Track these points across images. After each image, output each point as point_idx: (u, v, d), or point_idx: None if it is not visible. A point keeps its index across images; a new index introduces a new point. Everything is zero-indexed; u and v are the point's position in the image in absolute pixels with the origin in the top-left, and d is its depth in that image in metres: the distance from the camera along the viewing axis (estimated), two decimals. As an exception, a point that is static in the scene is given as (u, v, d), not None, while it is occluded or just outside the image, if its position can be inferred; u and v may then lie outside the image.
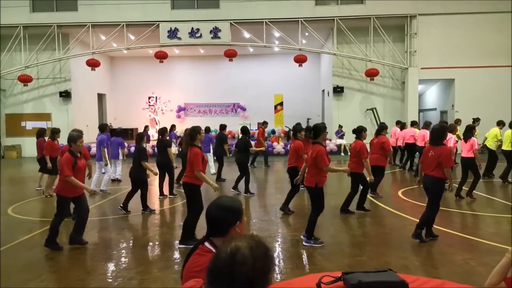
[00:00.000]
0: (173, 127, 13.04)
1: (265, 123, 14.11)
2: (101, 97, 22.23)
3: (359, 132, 7.64)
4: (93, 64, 17.40)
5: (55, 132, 9.08)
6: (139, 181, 7.47)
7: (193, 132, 5.56)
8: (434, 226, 5.71)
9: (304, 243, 5.48)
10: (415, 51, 16.71)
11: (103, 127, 10.07)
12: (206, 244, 2.00)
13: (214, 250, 1.95)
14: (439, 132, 5.52)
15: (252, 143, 10.94)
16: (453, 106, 17.02)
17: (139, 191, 7.53)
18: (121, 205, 7.55)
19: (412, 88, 16.81)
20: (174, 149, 12.09)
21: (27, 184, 11.05)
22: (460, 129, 10.37)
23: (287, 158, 8.94)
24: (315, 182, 5.41)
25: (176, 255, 5.33)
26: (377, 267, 2.44)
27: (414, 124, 12.71)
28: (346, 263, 4.80)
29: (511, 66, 16.17)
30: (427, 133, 9.87)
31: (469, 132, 8.08)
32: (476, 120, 11.31)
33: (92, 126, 19.32)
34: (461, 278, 4.16)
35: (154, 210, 7.72)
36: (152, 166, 7.77)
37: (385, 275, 2.05)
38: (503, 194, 8.87)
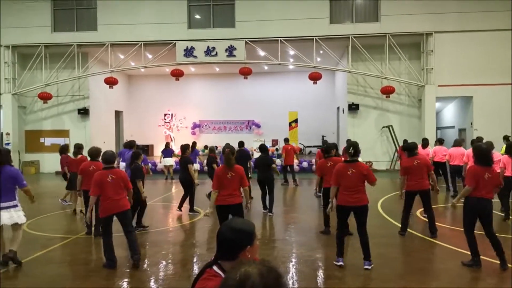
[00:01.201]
0: (194, 144, 13.05)
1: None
2: (118, 114, 22.59)
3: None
4: (111, 82, 17.76)
5: (80, 148, 9.12)
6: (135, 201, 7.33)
7: (234, 150, 5.78)
8: (458, 249, 5.48)
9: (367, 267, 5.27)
10: (432, 68, 16.53)
11: (131, 144, 10.03)
12: (214, 267, 1.93)
13: (222, 275, 1.87)
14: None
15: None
16: (471, 124, 16.67)
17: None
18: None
19: (429, 106, 16.57)
20: (196, 166, 12.08)
21: (43, 200, 11.16)
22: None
23: (301, 176, 8.82)
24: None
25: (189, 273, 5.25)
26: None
27: (441, 142, 12.32)
28: (360, 286, 4.62)
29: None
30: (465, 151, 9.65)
31: None
32: (506, 138, 11.02)
33: (108, 143, 19.61)
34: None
35: (148, 226, 7.66)
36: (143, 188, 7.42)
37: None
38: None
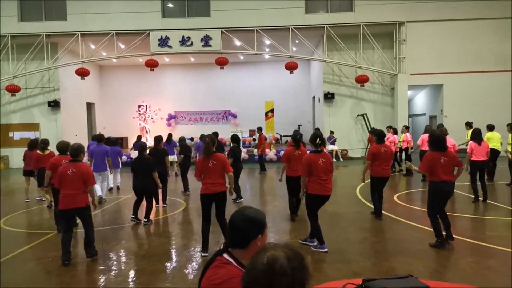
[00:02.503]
0: (170, 135, 13.01)
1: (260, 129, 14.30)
2: (90, 106, 21.98)
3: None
4: (82, 73, 17.22)
5: (46, 143, 8.83)
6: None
7: (214, 140, 5.79)
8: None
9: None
10: (404, 57, 16.96)
11: (100, 138, 9.86)
12: (225, 255, 1.95)
13: (233, 262, 1.91)
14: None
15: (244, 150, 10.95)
16: (442, 111, 17.28)
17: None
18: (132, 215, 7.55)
19: (402, 94, 17.03)
20: (173, 157, 12.11)
21: (15, 196, 10.81)
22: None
23: (279, 165, 8.76)
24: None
25: (174, 265, 5.25)
26: (396, 273, 2.42)
27: (407, 128, 12.87)
28: (352, 270, 4.78)
29: (498, 71, 16.53)
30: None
31: (480, 135, 8.14)
32: (468, 124, 11.52)
33: (80, 136, 19.09)
34: (469, 282, 4.19)
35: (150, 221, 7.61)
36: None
37: (408, 281, 2.04)
38: (503, 197, 8.97)
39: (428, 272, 4.64)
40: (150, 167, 7.45)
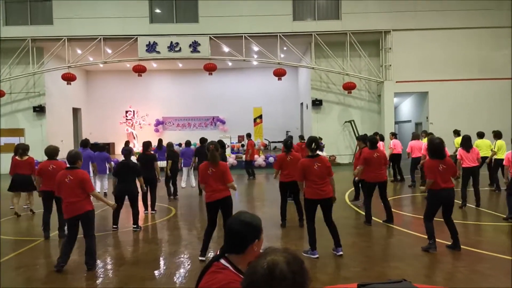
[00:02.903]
0: (161, 141, 12.97)
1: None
2: (76, 111, 21.70)
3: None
4: (68, 78, 17.00)
5: (25, 149, 8.65)
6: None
7: (218, 147, 5.62)
8: (423, 236, 5.81)
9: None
10: (390, 65, 17.24)
11: (85, 143, 9.77)
12: (222, 261, 1.95)
13: (230, 267, 1.91)
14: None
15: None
16: (427, 118, 17.58)
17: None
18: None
19: (388, 101, 17.28)
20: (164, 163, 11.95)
21: (3, 202, 10.55)
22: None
23: (268, 171, 8.72)
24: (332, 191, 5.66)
25: (164, 272, 5.20)
26: (387, 278, 2.45)
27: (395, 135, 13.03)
28: (343, 275, 4.81)
29: (482, 79, 16.93)
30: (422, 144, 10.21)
31: (470, 141, 8.27)
32: (456, 132, 11.77)
33: (66, 142, 18.80)
34: (456, 286, 4.25)
35: (140, 227, 7.53)
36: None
37: (403, 285, 2.06)
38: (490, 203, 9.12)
39: (417, 277, 4.68)
40: (135, 172, 7.36)
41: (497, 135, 10.07)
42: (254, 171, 14.43)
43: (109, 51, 17.39)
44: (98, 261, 5.57)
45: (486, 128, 11.70)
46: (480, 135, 10.63)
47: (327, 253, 5.62)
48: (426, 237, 5.64)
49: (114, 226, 7.36)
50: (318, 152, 5.78)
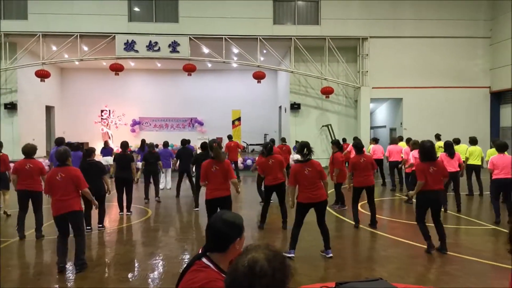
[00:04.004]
0: (144, 142, 12.79)
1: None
2: (49, 109, 21.11)
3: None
4: (42, 75, 16.52)
5: None
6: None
7: (221, 144, 5.83)
8: (398, 238, 5.95)
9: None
10: (367, 71, 17.61)
11: (60, 141, 9.49)
12: (204, 259, 1.96)
13: (212, 266, 1.92)
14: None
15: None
16: (401, 123, 18.04)
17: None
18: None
19: (364, 106, 17.64)
20: (139, 164, 11.76)
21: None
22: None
23: (246, 173, 8.69)
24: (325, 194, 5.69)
25: (140, 273, 5.13)
26: (367, 277, 2.51)
27: (377, 141, 13.20)
28: (319, 276, 4.87)
29: (455, 87, 17.55)
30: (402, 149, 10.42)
31: (452, 147, 8.47)
32: (437, 137, 12.15)
33: (38, 140, 18.23)
34: (427, 286, 4.39)
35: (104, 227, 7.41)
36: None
37: (380, 284, 2.12)
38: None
39: (391, 278, 4.79)
40: (99, 171, 7.17)
41: (472, 141, 10.42)
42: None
43: (86, 48, 17.03)
44: (69, 264, 5.42)
45: (458, 135, 12.13)
46: (457, 142, 11.00)
47: (304, 255, 5.68)
48: (403, 240, 5.76)
49: (87, 228, 7.21)
50: (296, 156, 5.85)
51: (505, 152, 7.48)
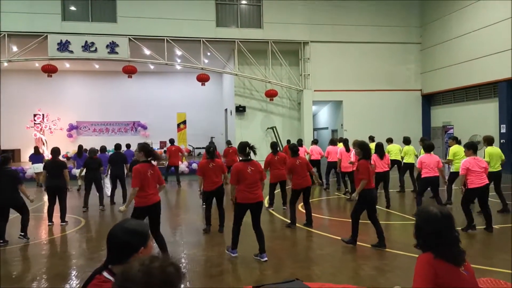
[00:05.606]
0: (81, 147, 12.11)
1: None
2: (-26, 114, 19.39)
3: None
4: (-36, 76, 15.14)
5: None
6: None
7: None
8: (334, 237, 6.09)
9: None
10: (309, 74, 18.08)
11: None
12: (104, 273, 1.84)
13: (113, 280, 1.80)
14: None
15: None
16: (342, 125, 18.72)
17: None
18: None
19: (307, 109, 18.09)
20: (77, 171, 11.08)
21: None
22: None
23: (191, 178, 8.51)
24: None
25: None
26: (286, 278, 2.50)
27: (316, 142, 13.57)
28: (254, 278, 4.83)
29: (389, 90, 18.53)
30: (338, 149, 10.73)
31: (383, 149, 8.91)
32: (371, 138, 12.70)
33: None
34: (356, 282, 4.52)
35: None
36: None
37: (294, 284, 2.12)
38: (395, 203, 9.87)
39: (324, 276, 4.89)
40: (15, 180, 6.74)
41: (406, 141, 11.12)
42: (168, 177, 13.79)
43: (15, 48, 15.86)
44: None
45: (392, 134, 12.83)
46: (390, 141, 11.83)
47: (241, 256, 5.64)
48: (335, 237, 5.93)
49: (1, 242, 6.68)
50: None
51: (432, 152, 7.96)
